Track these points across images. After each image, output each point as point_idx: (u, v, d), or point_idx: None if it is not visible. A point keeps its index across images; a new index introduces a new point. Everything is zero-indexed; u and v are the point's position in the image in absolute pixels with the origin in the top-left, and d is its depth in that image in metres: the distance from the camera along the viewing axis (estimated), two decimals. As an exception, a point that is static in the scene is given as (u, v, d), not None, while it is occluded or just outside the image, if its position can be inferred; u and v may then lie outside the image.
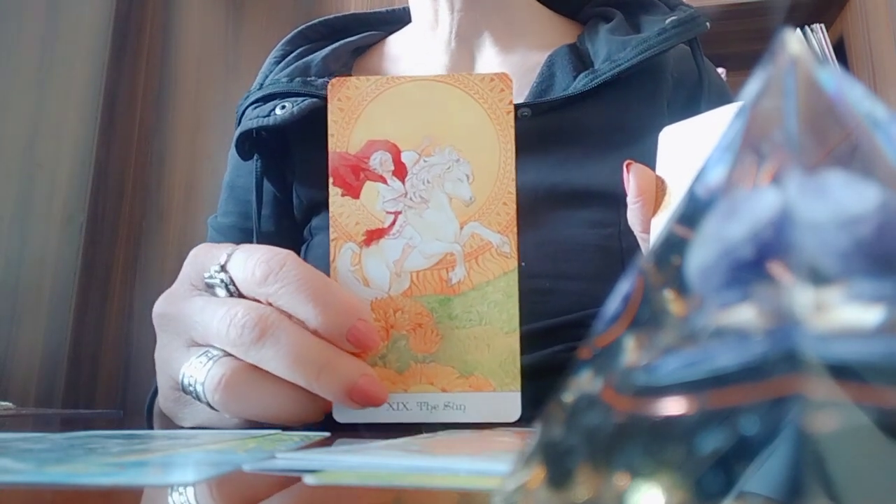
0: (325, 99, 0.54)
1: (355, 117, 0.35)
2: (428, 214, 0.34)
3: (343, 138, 0.35)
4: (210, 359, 0.31)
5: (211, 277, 0.33)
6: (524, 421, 0.33)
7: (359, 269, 0.34)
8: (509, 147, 0.34)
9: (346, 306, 0.31)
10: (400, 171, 0.34)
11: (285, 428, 0.31)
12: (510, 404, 0.33)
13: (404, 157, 0.34)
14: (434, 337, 0.33)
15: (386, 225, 0.34)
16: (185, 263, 0.35)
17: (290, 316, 0.31)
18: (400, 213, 0.34)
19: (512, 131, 0.34)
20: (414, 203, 0.34)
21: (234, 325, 0.30)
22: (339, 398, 0.31)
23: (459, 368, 0.33)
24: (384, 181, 0.34)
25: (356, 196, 0.34)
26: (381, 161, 0.34)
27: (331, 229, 0.34)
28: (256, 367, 0.31)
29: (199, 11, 1.77)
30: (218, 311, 0.31)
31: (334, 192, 0.34)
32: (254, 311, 0.30)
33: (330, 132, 0.35)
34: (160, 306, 0.35)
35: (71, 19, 1.62)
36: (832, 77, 0.12)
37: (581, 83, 0.54)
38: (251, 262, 0.31)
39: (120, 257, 1.64)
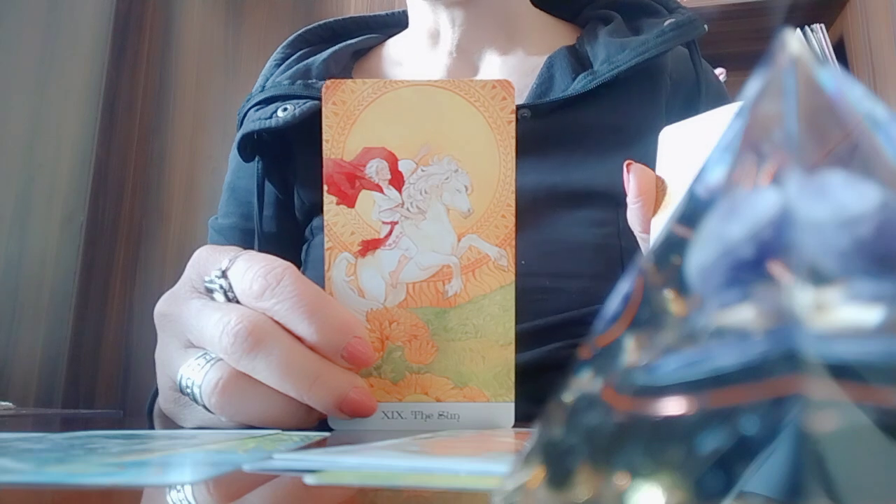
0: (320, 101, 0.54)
1: (351, 122, 0.34)
2: (425, 226, 0.34)
3: (338, 144, 0.34)
4: (208, 361, 0.31)
5: (211, 282, 0.33)
6: (524, 420, 0.33)
7: (354, 280, 0.34)
8: (510, 157, 0.34)
9: (342, 324, 0.31)
10: (397, 181, 0.34)
11: (285, 428, 0.31)
12: (504, 414, 0.33)
13: (401, 166, 0.34)
14: (429, 348, 0.33)
15: (382, 235, 0.34)
16: (189, 265, 0.35)
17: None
18: (396, 223, 0.34)
19: (513, 141, 0.34)
20: (411, 213, 0.34)
21: (226, 333, 0.30)
22: (329, 410, 0.31)
23: (454, 379, 0.33)
24: (380, 190, 0.34)
25: (351, 205, 0.34)
26: (377, 169, 0.34)
27: (325, 238, 0.34)
28: None
29: (199, 11, 1.77)
30: (213, 316, 0.31)
31: (329, 200, 0.34)
32: (247, 319, 0.30)
33: (325, 137, 0.34)
34: (161, 306, 0.35)
35: (71, 19, 1.62)
36: (832, 77, 0.12)
37: (580, 84, 0.54)
38: (249, 275, 0.31)
39: (120, 257, 1.64)
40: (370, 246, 0.34)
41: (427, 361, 0.33)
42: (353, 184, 0.34)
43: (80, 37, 1.65)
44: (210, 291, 0.33)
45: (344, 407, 0.30)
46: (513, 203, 0.34)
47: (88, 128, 1.65)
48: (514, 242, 0.34)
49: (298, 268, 0.54)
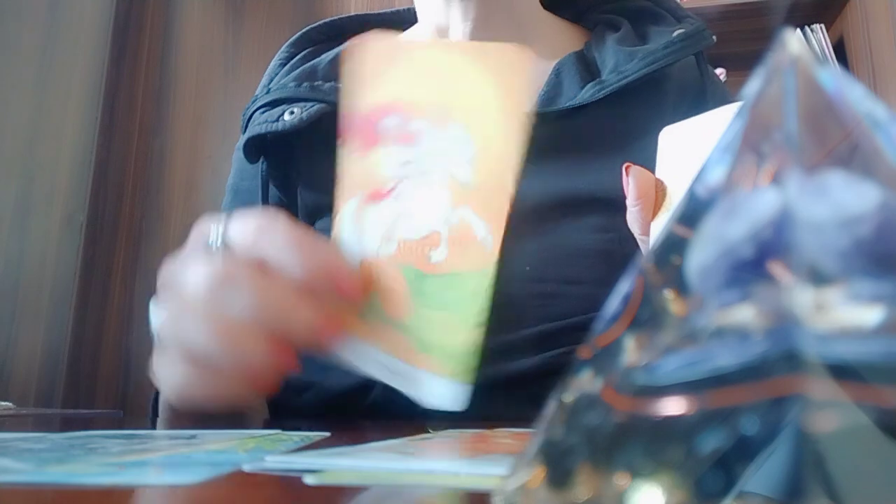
0: (332, 104, 0.54)
1: (370, 79, 0.35)
2: (425, 188, 0.34)
3: (358, 97, 0.35)
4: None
5: (211, 240, 0.34)
6: (524, 421, 0.33)
7: (357, 227, 0.35)
8: (518, 134, 0.34)
9: (331, 256, 0.33)
10: (408, 139, 0.35)
11: (285, 428, 0.31)
12: (457, 393, 0.33)
13: (414, 125, 0.35)
14: (405, 306, 0.34)
15: (386, 189, 0.35)
16: (190, 236, 0.37)
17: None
18: (401, 180, 0.35)
19: (524, 112, 0.34)
20: (415, 173, 0.34)
21: (206, 275, 0.32)
22: (304, 337, 0.32)
23: (419, 345, 0.34)
24: (392, 144, 0.35)
25: (363, 156, 0.35)
26: (391, 126, 0.35)
27: (338, 185, 0.35)
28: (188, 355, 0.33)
29: (199, 11, 1.76)
30: (197, 262, 0.33)
31: (345, 150, 0.35)
32: (229, 263, 0.32)
33: (344, 91, 0.35)
34: (160, 275, 0.37)
35: (71, 19, 1.62)
36: (832, 77, 0.12)
37: (588, 93, 0.54)
38: (246, 220, 0.34)
39: (120, 257, 1.64)
40: (374, 197, 0.35)
41: (400, 317, 0.34)
42: (367, 137, 0.35)
43: (80, 37, 1.65)
44: (208, 244, 0.34)
45: (321, 333, 0.32)
46: (511, 184, 0.34)
47: (88, 128, 1.65)
48: (502, 227, 0.34)
49: None
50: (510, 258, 0.50)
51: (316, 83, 0.57)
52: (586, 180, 0.53)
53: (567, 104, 0.54)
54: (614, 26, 0.61)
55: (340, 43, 0.63)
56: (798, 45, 0.12)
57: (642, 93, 0.55)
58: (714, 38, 0.57)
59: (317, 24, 0.66)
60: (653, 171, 0.38)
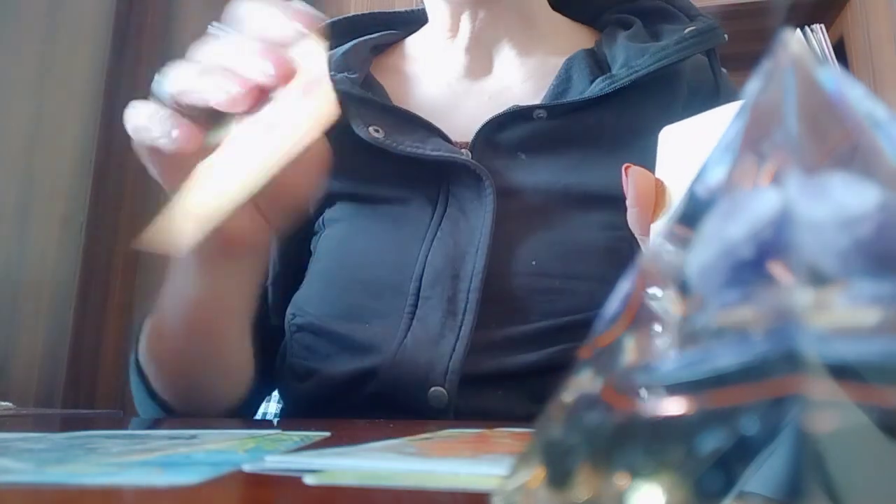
0: (339, 93, 0.55)
1: None
2: None
3: None
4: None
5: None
6: (524, 419, 0.33)
7: None
8: None
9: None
10: None
11: (285, 428, 0.31)
12: None
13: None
14: None
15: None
16: None
17: None
18: None
19: None
20: None
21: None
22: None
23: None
24: None
25: None
26: None
27: None
28: None
29: (199, 11, 1.76)
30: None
31: None
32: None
33: None
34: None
35: (71, 19, 1.63)
36: (832, 77, 0.12)
37: (598, 87, 0.54)
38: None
39: (120, 257, 1.64)
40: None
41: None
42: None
43: (80, 37, 1.65)
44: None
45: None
46: None
47: (88, 128, 1.65)
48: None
49: (308, 257, 0.54)
50: (516, 251, 0.50)
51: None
52: (595, 176, 0.53)
53: (576, 98, 0.55)
54: (626, 25, 0.61)
55: (355, 38, 0.64)
56: (798, 45, 0.12)
57: (653, 90, 0.55)
58: (726, 36, 0.57)
59: (332, 20, 0.67)
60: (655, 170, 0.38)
